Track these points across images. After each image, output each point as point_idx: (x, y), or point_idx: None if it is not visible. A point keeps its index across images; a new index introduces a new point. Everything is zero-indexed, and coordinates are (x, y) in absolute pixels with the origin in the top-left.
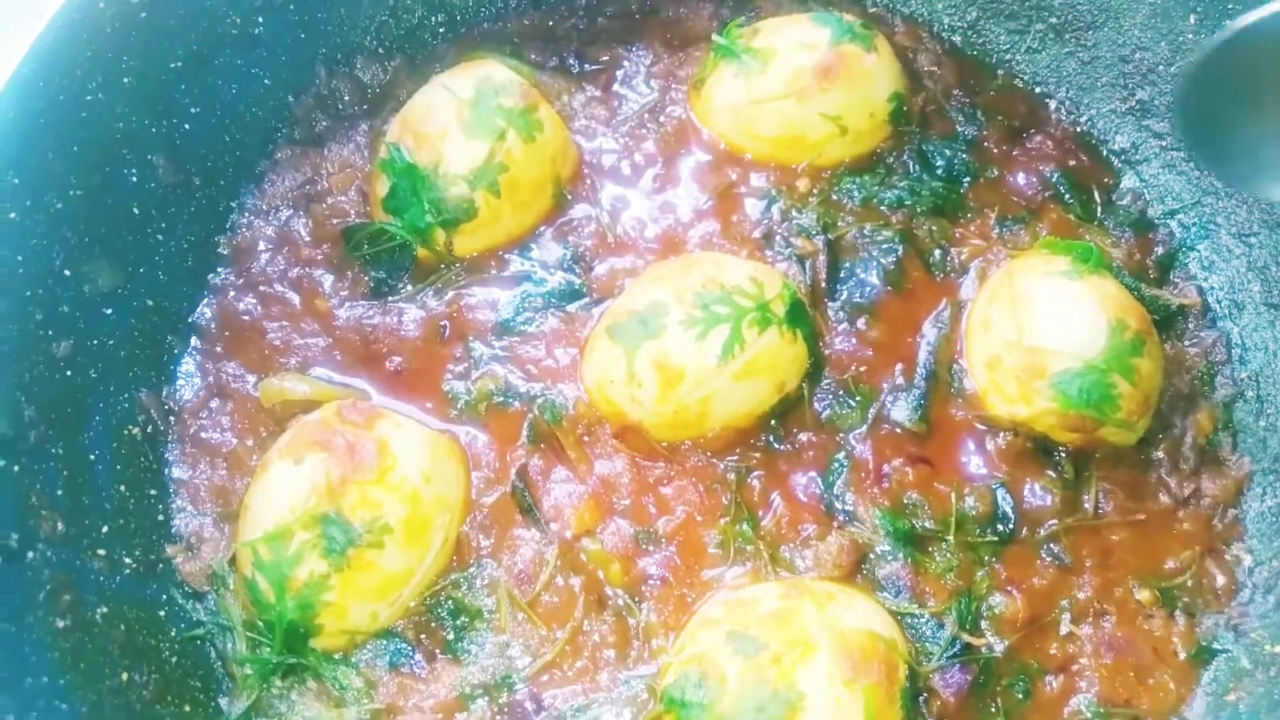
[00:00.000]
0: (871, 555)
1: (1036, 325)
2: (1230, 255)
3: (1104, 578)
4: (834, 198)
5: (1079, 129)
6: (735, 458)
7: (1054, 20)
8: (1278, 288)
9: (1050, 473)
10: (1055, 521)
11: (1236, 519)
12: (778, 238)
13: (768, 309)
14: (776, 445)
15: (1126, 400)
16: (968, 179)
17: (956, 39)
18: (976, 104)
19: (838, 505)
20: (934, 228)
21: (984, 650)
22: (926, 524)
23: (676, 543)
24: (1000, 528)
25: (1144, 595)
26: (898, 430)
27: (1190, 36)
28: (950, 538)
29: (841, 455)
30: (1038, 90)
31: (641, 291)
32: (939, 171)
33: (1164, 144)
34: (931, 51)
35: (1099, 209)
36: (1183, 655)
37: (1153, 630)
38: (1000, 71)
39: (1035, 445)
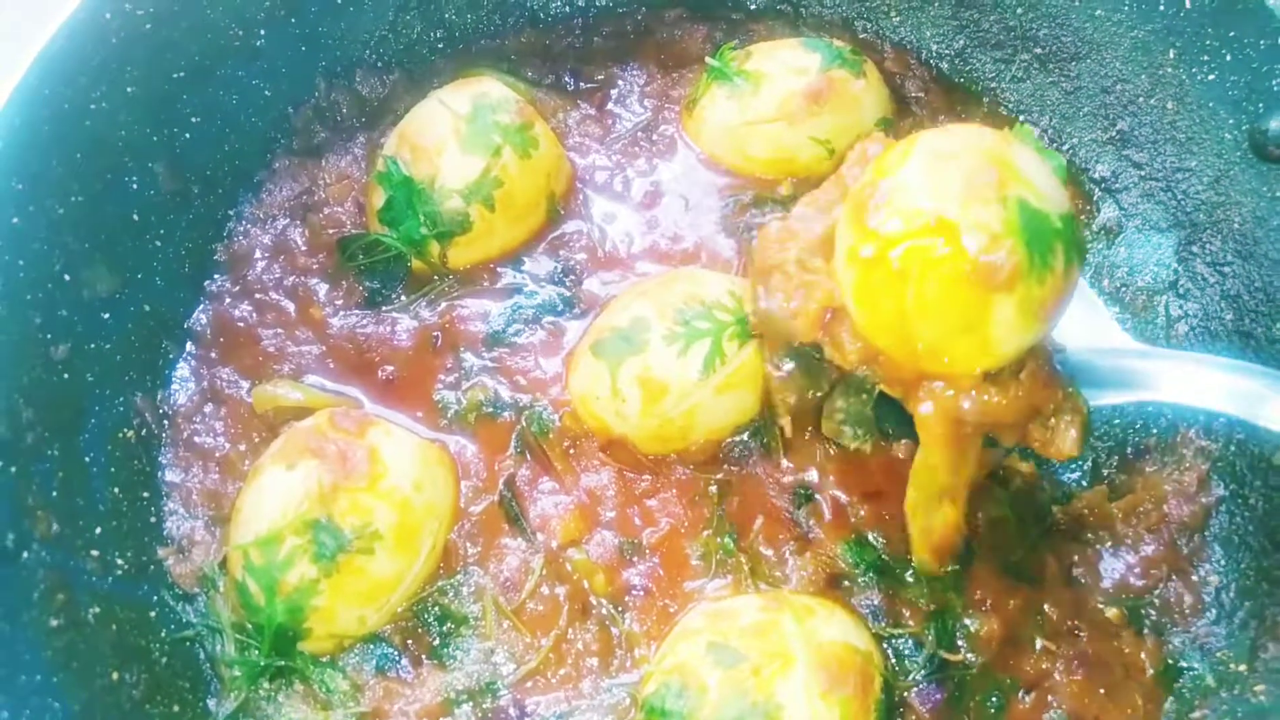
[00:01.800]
0: (845, 582)
1: (1014, 149)
2: (1205, 284)
3: (1072, 595)
4: None
5: (1061, 157)
6: (719, 473)
7: (1039, 50)
8: (1249, 316)
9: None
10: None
11: (1204, 541)
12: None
13: (747, 322)
14: (758, 460)
15: (1054, 279)
16: None
17: (944, 66)
18: None
19: (805, 532)
20: None
21: (960, 667)
22: (885, 556)
23: (660, 554)
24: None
25: (1112, 613)
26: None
27: (1170, 70)
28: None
29: (805, 479)
30: (1022, 118)
31: (624, 308)
32: None
33: (1143, 173)
34: (919, 78)
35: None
36: (1151, 673)
37: (1122, 648)
38: (986, 99)
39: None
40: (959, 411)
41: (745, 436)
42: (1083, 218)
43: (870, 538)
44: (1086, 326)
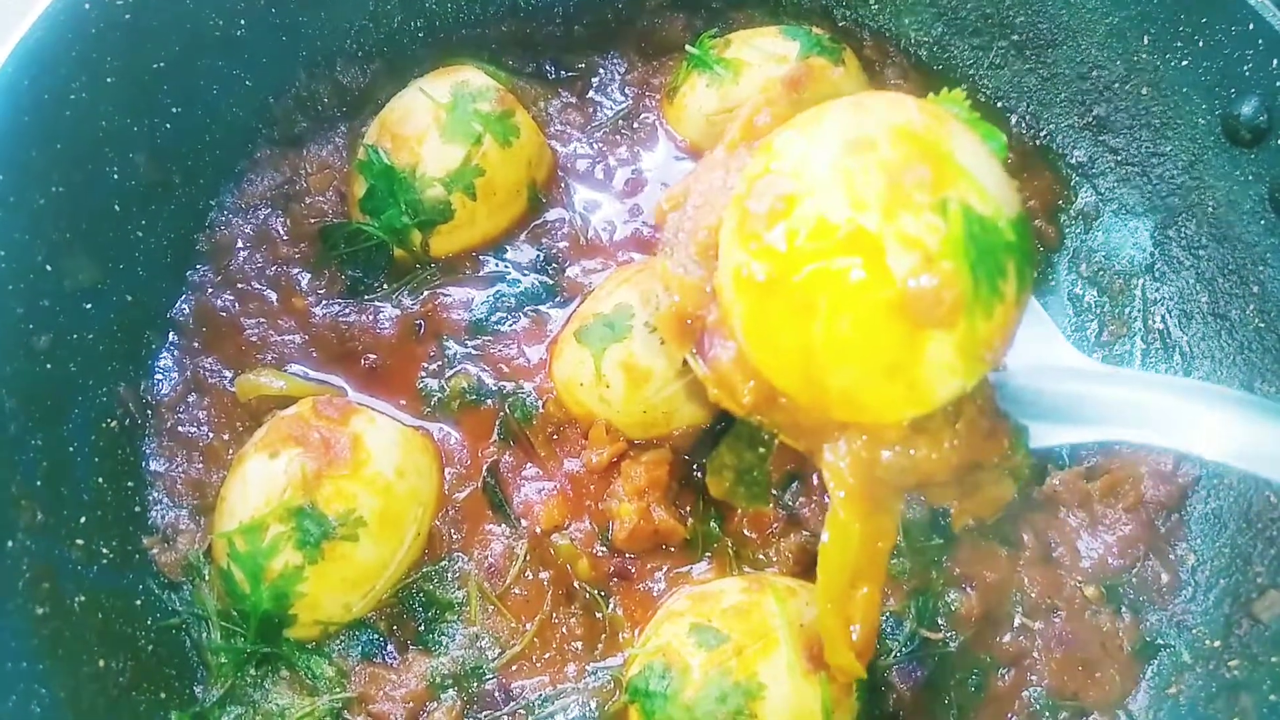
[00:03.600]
0: None
1: (950, 130)
2: (1180, 267)
3: (1051, 573)
4: None
5: (1039, 143)
6: (704, 457)
7: (1016, 37)
8: (1224, 298)
9: None
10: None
11: (1181, 521)
12: None
13: None
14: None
15: (1004, 309)
16: None
17: (922, 54)
18: None
19: (792, 510)
20: None
21: (941, 645)
22: None
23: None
24: (942, 524)
25: (1090, 591)
26: None
27: (1145, 56)
28: (901, 541)
29: (793, 465)
30: (999, 104)
31: (607, 295)
32: None
33: (1119, 158)
34: (898, 65)
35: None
36: (1128, 650)
37: (1100, 626)
38: (964, 86)
39: None
40: (879, 469)
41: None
42: (1060, 203)
43: None
44: (1031, 341)
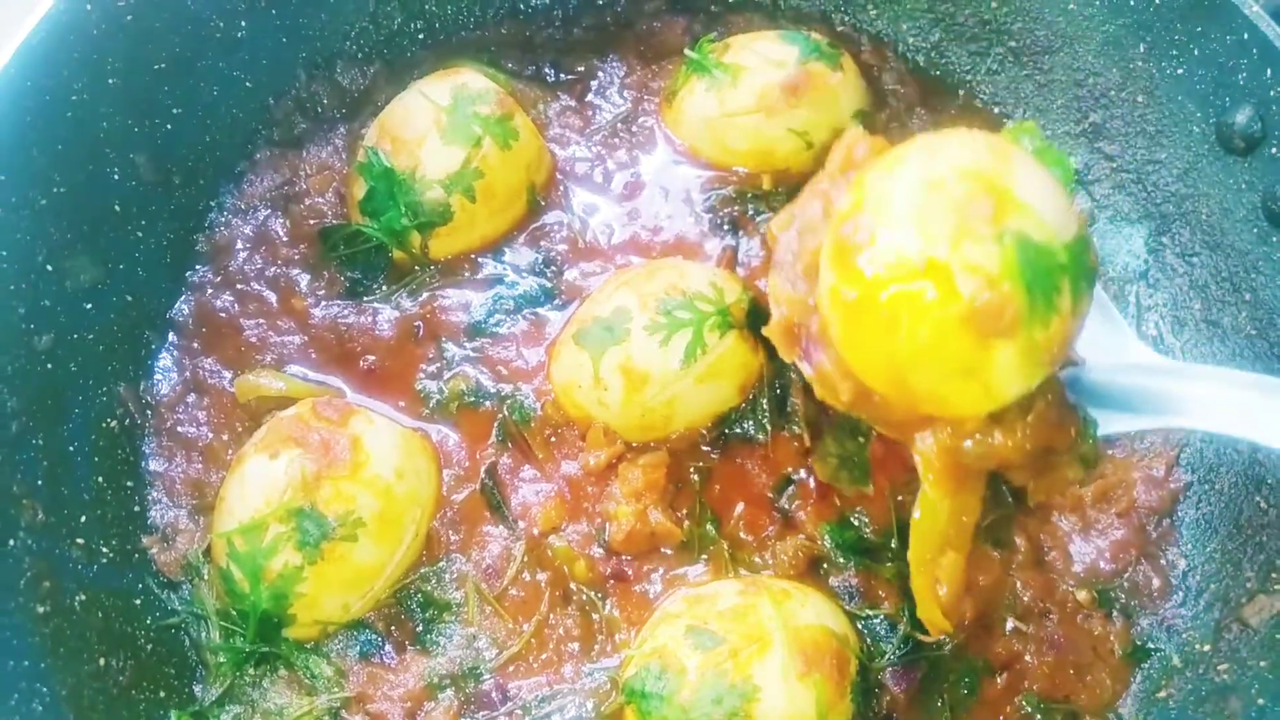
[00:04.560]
0: (825, 564)
1: (1012, 167)
2: (1174, 273)
3: (1043, 577)
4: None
5: None
6: (701, 460)
7: (1013, 44)
8: (1216, 305)
9: None
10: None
11: (1172, 526)
12: (742, 238)
13: (728, 313)
14: (740, 447)
15: (1060, 320)
16: None
17: (920, 59)
18: (938, 123)
19: (788, 514)
20: None
21: (934, 648)
22: (868, 533)
23: None
24: None
25: (1082, 595)
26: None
27: (1140, 64)
28: (894, 545)
29: (790, 468)
30: (996, 110)
31: (606, 298)
32: None
33: (1115, 165)
34: (896, 71)
35: None
36: (1119, 653)
37: (1092, 630)
38: (961, 91)
39: None
40: (962, 454)
41: (727, 425)
42: None
43: (852, 519)
44: (1104, 340)
